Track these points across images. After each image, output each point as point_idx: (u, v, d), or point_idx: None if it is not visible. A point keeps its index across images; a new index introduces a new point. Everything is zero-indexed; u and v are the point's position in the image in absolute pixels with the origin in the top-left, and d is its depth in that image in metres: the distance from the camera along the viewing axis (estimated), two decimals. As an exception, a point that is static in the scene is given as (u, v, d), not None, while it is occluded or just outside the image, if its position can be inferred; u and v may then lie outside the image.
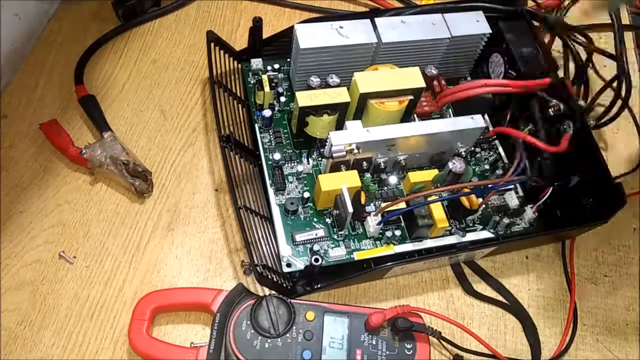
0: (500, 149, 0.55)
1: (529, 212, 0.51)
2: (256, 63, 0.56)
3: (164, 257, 0.49)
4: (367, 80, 0.49)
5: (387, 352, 0.43)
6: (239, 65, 0.57)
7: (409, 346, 0.44)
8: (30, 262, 0.48)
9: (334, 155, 0.47)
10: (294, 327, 0.43)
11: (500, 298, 0.50)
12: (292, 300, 0.44)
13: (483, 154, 0.55)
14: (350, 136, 0.47)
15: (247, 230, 0.44)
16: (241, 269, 0.49)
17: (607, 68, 0.64)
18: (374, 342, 0.44)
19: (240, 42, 0.62)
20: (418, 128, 0.49)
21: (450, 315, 0.49)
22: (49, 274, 0.47)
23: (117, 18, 0.61)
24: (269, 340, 0.43)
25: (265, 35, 0.55)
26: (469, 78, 0.60)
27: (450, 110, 0.57)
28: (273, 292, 0.45)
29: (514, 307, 0.50)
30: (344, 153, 0.47)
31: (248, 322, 0.43)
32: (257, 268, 0.43)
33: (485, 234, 0.50)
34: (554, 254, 0.53)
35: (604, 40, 0.65)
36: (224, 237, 0.50)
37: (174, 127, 0.56)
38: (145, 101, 0.57)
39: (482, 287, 0.50)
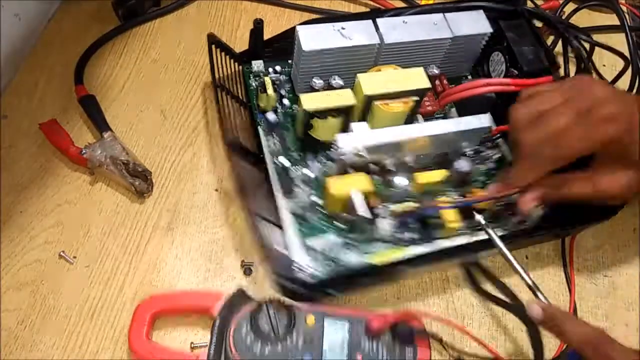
0: (505, 147, 0.55)
1: (537, 209, 0.51)
2: (257, 65, 0.56)
3: (164, 257, 0.49)
4: (372, 82, 0.49)
5: (388, 357, 0.43)
6: (240, 67, 0.56)
7: (410, 351, 0.43)
8: (30, 262, 0.47)
9: (342, 158, 0.47)
10: (294, 332, 0.43)
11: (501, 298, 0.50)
12: (293, 305, 0.44)
13: (487, 153, 0.55)
14: (357, 139, 0.47)
15: (262, 238, 0.43)
16: (241, 269, 0.49)
17: (606, 67, 0.64)
18: (374, 347, 0.43)
19: (240, 42, 0.62)
20: (426, 129, 0.49)
21: (450, 315, 0.49)
22: (49, 274, 0.47)
23: (117, 18, 0.61)
24: (269, 345, 0.42)
25: (265, 36, 0.55)
26: (469, 77, 0.60)
27: (453, 109, 0.57)
28: (275, 296, 0.45)
29: (518, 308, 0.49)
30: (352, 156, 0.47)
31: (248, 327, 0.43)
32: (277, 278, 0.42)
33: (497, 232, 0.50)
34: (554, 254, 0.53)
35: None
36: (224, 237, 0.50)
37: (174, 127, 0.56)
38: (145, 101, 0.57)
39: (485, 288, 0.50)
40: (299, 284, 0.45)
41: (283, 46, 0.55)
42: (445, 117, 0.57)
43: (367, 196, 0.46)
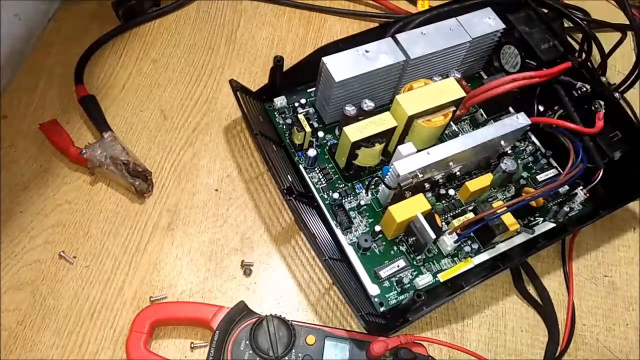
0: (534, 138, 0.56)
1: (581, 194, 0.52)
2: (280, 101, 0.55)
3: (164, 257, 0.49)
4: (411, 102, 0.49)
5: None
6: (261, 105, 0.54)
7: None
8: (30, 262, 0.48)
9: (401, 184, 0.46)
10: (294, 350, 0.42)
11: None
12: (294, 322, 0.43)
13: (521, 147, 0.56)
14: (413, 162, 0.47)
15: (341, 279, 0.43)
16: (241, 269, 0.49)
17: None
18: None
19: (239, 42, 0.62)
20: (473, 139, 0.49)
21: (450, 316, 0.49)
22: (49, 274, 0.47)
23: (117, 18, 0.61)
24: None
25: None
26: (482, 73, 0.61)
27: (480, 110, 0.56)
28: (275, 312, 0.44)
29: (546, 310, 0.50)
30: (410, 180, 0.47)
31: (247, 342, 0.42)
32: (365, 317, 0.42)
33: (548, 225, 0.52)
34: (554, 254, 0.53)
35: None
36: (224, 237, 0.50)
37: (174, 127, 0.56)
38: (145, 101, 0.57)
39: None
40: (378, 317, 0.45)
41: (298, 76, 0.54)
42: (472, 118, 0.57)
43: (431, 216, 0.46)
